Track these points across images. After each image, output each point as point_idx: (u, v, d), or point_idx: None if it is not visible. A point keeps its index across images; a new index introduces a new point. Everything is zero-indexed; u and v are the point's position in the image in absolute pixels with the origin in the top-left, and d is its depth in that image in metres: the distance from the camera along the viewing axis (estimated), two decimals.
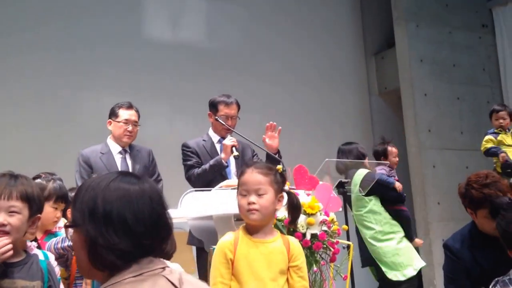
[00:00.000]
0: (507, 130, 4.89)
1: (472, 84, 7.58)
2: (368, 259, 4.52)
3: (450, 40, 7.55)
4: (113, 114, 3.95)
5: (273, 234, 2.27)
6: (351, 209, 4.56)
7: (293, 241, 2.32)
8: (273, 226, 2.44)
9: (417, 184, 7.09)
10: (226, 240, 2.23)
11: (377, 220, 4.42)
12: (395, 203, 4.56)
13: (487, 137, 4.84)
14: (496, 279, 2.15)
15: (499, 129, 4.85)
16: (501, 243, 2.48)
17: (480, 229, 2.61)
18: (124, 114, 3.93)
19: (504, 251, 2.33)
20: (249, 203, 2.17)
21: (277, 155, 3.76)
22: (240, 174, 2.30)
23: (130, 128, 3.91)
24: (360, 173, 4.36)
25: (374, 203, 4.44)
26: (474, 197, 2.52)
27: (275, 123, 3.82)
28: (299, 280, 2.24)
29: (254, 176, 2.20)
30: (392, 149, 4.93)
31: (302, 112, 7.27)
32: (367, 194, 4.31)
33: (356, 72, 8.06)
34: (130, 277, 1.18)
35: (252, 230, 2.23)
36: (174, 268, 1.29)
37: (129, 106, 3.98)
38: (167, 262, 1.75)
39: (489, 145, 4.79)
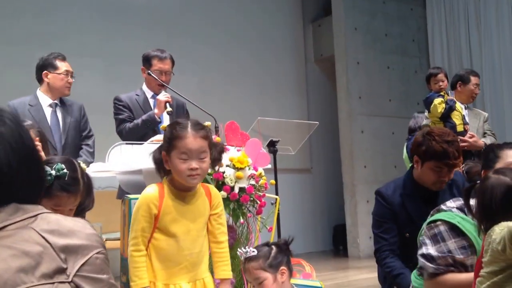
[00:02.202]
0: (468, 105, 4.76)
1: (402, 54, 7.85)
2: None
3: (383, 10, 7.75)
4: (50, 65, 3.86)
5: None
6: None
7: (213, 189, 2.32)
8: None
9: (346, 148, 7.34)
10: (150, 193, 2.15)
11: None
12: None
13: (438, 99, 4.45)
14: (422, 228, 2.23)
15: (440, 92, 4.59)
16: (430, 195, 2.65)
17: (416, 179, 2.72)
18: (63, 65, 3.89)
19: (431, 203, 2.50)
20: (191, 169, 2.08)
21: None
22: (175, 135, 2.12)
23: (70, 79, 3.90)
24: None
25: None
26: (434, 148, 2.55)
27: None
28: (219, 227, 2.26)
29: (197, 142, 2.10)
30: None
31: (239, 73, 7.33)
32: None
33: (294, 38, 8.16)
34: None
35: (177, 184, 2.18)
36: (55, 217, 1.06)
37: (64, 57, 3.94)
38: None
39: (442, 106, 4.44)
